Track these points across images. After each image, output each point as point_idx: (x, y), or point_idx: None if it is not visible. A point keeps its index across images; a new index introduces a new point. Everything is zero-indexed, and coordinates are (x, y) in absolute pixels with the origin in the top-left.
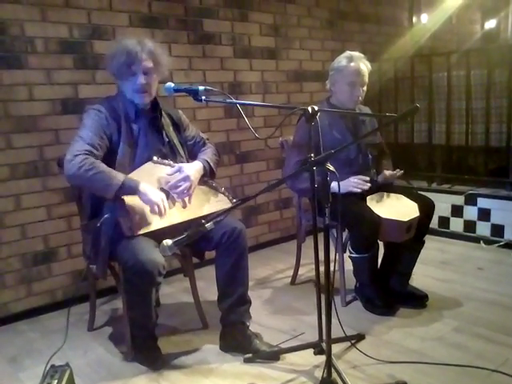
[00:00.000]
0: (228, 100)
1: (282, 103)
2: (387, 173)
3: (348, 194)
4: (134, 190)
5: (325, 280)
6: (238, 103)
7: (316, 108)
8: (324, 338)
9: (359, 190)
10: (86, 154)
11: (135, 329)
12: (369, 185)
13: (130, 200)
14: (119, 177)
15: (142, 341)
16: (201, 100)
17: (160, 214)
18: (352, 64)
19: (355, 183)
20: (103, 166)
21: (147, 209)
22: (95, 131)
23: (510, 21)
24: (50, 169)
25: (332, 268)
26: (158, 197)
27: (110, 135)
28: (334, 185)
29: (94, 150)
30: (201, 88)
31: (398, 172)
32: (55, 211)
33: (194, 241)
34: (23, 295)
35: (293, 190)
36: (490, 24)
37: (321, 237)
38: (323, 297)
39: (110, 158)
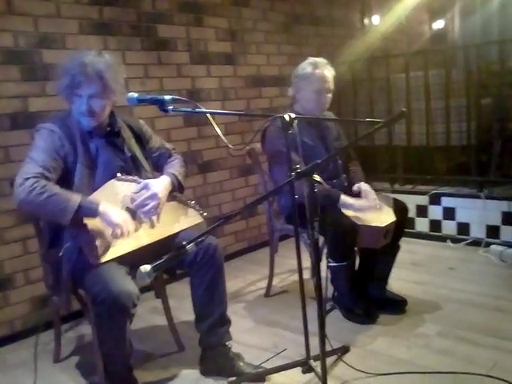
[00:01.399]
0: (197, 109)
1: (242, 110)
2: (367, 189)
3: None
4: (93, 212)
5: (317, 297)
6: (208, 113)
7: (293, 115)
8: (312, 354)
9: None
10: (38, 177)
11: (109, 363)
12: None
13: (93, 223)
14: (75, 198)
15: (117, 374)
16: (167, 110)
17: (122, 236)
18: (317, 71)
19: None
20: (56, 188)
21: (109, 231)
22: (48, 152)
23: (456, 21)
24: (1, 189)
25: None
26: (120, 218)
27: (65, 156)
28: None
29: (47, 173)
30: (167, 98)
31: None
32: (9, 235)
33: None
34: None
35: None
36: (438, 25)
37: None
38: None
39: (66, 182)
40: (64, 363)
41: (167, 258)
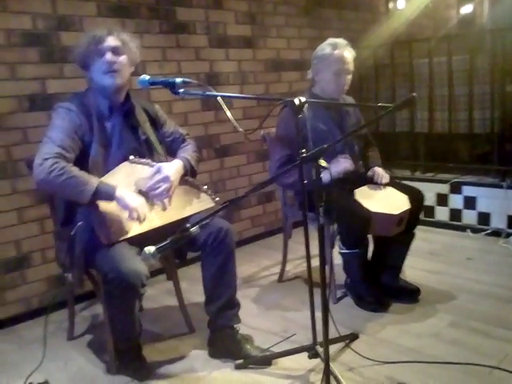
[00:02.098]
0: (208, 92)
1: (260, 94)
2: (380, 172)
3: (336, 187)
4: (109, 196)
5: (321, 284)
6: (219, 96)
7: (303, 99)
8: (319, 340)
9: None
10: (57, 158)
11: (118, 340)
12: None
13: (105, 204)
14: (93, 182)
15: (126, 352)
16: (178, 93)
17: (139, 220)
18: (336, 52)
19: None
20: (75, 171)
21: (125, 213)
22: (66, 132)
23: (485, 5)
24: (19, 170)
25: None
26: (137, 202)
27: (82, 135)
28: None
29: (65, 153)
30: (178, 80)
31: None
32: (27, 214)
33: None
34: None
35: (278, 185)
36: (466, 9)
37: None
38: (316, 295)
39: (82, 160)
40: (77, 341)
41: (172, 240)
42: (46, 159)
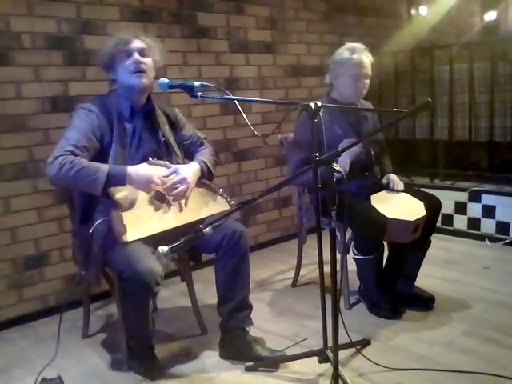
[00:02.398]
0: (225, 96)
1: (280, 99)
2: (395, 179)
3: (352, 194)
4: (122, 178)
5: (332, 287)
6: (236, 99)
7: (319, 104)
8: (329, 345)
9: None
10: (66, 155)
11: (132, 339)
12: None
13: (122, 204)
14: (104, 167)
15: (139, 350)
16: (196, 96)
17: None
18: (355, 56)
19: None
20: (84, 162)
21: (141, 212)
22: (83, 132)
23: (509, 13)
24: (40, 170)
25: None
26: (148, 182)
27: (101, 136)
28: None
29: (77, 151)
30: (196, 84)
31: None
32: (46, 213)
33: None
34: (14, 301)
35: (293, 185)
36: (490, 16)
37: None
38: (328, 300)
39: (101, 160)
40: (91, 339)
41: (185, 240)
42: (57, 157)
